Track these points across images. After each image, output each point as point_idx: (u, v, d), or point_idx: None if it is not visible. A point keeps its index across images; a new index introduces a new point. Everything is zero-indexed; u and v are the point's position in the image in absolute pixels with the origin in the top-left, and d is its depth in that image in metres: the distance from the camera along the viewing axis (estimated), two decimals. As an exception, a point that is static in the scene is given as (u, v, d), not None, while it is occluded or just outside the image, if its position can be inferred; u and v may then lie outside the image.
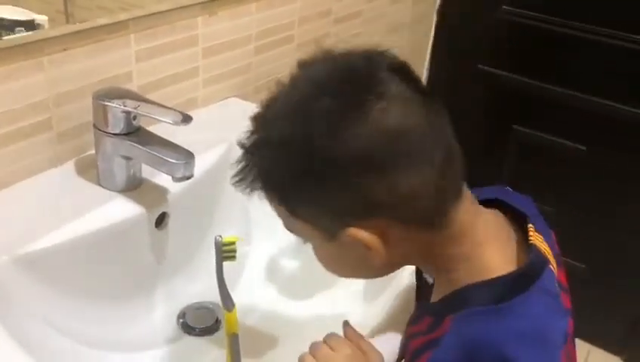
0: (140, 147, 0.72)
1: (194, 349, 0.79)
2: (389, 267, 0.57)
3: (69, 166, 0.80)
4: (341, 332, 0.63)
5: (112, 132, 0.73)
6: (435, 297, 0.58)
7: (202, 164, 0.79)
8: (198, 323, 0.81)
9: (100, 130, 0.73)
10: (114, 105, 0.71)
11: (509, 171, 1.65)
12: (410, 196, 0.48)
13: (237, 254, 0.69)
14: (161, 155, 0.71)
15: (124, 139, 0.73)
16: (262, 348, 0.80)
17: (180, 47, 0.89)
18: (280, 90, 0.52)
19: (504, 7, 1.53)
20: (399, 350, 0.64)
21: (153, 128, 0.76)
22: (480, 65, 1.62)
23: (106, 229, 0.72)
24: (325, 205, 0.50)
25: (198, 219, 0.86)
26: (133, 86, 0.84)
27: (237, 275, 0.86)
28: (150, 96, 0.82)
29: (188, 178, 0.72)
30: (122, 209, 0.75)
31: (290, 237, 0.58)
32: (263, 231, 0.88)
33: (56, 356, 0.66)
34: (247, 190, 0.53)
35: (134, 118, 0.73)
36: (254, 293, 0.86)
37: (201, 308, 0.84)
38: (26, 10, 0.70)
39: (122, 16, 0.79)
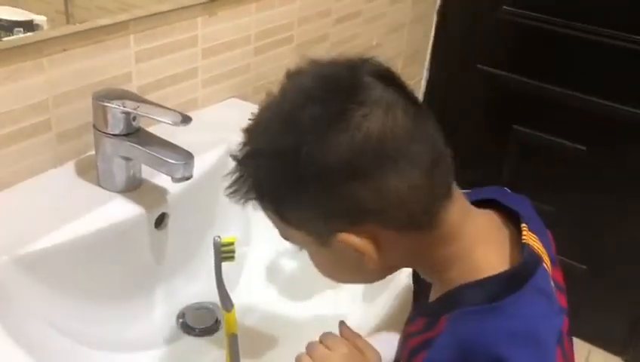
0: (140, 148, 0.72)
1: (193, 349, 0.79)
2: (385, 270, 0.57)
3: (69, 166, 0.80)
4: (338, 333, 0.63)
5: (112, 133, 0.73)
6: (432, 297, 0.58)
7: (202, 164, 0.79)
8: (198, 323, 0.82)
9: (100, 131, 0.73)
10: (114, 105, 0.71)
11: (509, 171, 1.65)
12: (398, 200, 0.48)
13: (236, 255, 0.70)
14: (160, 156, 0.71)
15: (123, 140, 0.73)
16: (261, 349, 0.80)
17: (179, 47, 0.90)
18: (270, 100, 0.52)
19: (504, 7, 1.53)
20: (397, 349, 0.64)
21: (153, 129, 0.76)
22: (480, 65, 1.62)
23: (106, 230, 0.72)
24: (316, 212, 0.51)
25: (197, 219, 0.86)
26: (132, 87, 0.84)
27: (236, 276, 0.86)
28: (150, 97, 0.82)
29: (187, 178, 0.72)
30: (122, 209, 0.75)
31: (288, 239, 0.58)
32: (262, 232, 0.87)
33: (57, 356, 0.66)
34: (242, 201, 0.53)
35: (134, 118, 0.73)
36: (253, 294, 0.86)
37: (200, 309, 0.84)
38: (24, 11, 0.70)
39: (122, 17, 0.79)
